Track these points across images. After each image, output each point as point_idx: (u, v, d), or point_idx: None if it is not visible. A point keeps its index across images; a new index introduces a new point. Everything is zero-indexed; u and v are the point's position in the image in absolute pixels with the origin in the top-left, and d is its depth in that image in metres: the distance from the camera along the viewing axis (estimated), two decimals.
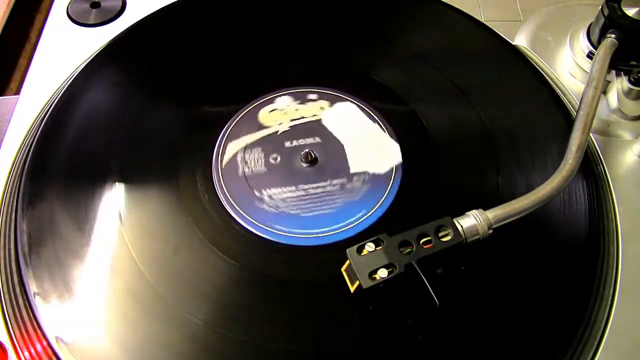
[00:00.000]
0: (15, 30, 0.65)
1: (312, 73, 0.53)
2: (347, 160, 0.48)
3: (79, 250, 0.43)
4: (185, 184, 0.47)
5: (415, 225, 0.39)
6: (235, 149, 0.49)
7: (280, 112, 0.50)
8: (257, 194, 0.46)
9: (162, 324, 0.40)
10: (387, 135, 0.48)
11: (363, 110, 0.51)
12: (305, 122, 0.50)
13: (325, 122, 0.50)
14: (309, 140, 0.49)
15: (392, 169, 0.47)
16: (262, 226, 0.44)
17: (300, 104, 0.51)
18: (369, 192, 0.46)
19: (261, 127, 0.50)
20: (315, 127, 0.50)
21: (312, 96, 0.51)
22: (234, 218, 0.45)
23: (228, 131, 0.50)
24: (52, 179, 0.46)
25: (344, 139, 0.49)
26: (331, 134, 0.49)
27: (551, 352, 0.39)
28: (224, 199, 0.46)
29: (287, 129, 0.50)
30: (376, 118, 0.50)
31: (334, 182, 0.47)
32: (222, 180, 0.47)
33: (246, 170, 0.48)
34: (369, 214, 0.45)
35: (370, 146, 0.49)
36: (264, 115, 0.50)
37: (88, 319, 0.40)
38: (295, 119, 0.50)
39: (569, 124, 0.47)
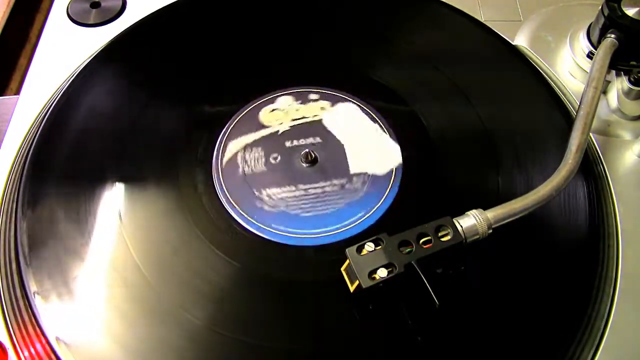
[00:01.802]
0: (15, 30, 0.65)
1: (312, 73, 0.53)
2: (347, 161, 0.48)
3: (78, 250, 0.43)
4: (185, 184, 0.47)
5: (415, 225, 0.39)
6: (235, 149, 0.49)
7: (281, 111, 0.50)
8: (257, 193, 0.46)
9: (162, 323, 0.40)
10: (388, 136, 0.48)
11: (364, 110, 0.51)
12: (306, 122, 0.50)
13: (325, 122, 0.50)
14: (310, 140, 0.49)
15: (392, 169, 0.47)
16: (262, 226, 0.44)
17: (301, 104, 0.51)
18: (369, 192, 0.46)
19: (262, 126, 0.50)
20: (316, 127, 0.50)
21: (313, 96, 0.51)
22: (234, 218, 0.45)
23: (228, 131, 0.50)
24: (52, 179, 0.46)
25: (344, 139, 0.49)
26: (332, 134, 0.49)
27: (551, 352, 0.39)
28: (224, 199, 0.46)
29: (287, 128, 0.50)
30: (376, 118, 0.50)
31: (334, 182, 0.47)
32: (222, 179, 0.47)
33: (246, 169, 0.48)
34: (368, 214, 0.45)
35: (370, 147, 0.49)
36: (264, 115, 0.50)
37: (88, 318, 0.40)
38: (296, 119, 0.50)
39: (569, 124, 0.47)
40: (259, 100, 0.51)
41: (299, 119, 0.50)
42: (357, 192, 0.46)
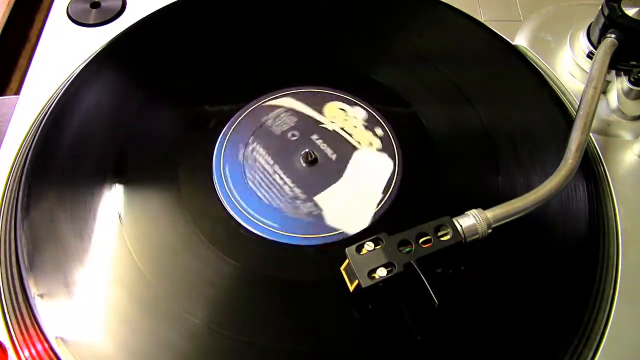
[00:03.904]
0: (15, 30, 0.65)
1: (312, 73, 0.53)
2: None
3: (78, 251, 0.43)
4: (185, 184, 0.47)
5: (415, 225, 0.39)
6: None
7: (346, 114, 0.49)
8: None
9: (162, 323, 0.40)
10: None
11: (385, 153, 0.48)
12: (343, 137, 0.49)
13: (355, 155, 0.48)
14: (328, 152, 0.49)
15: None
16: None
17: (366, 123, 0.49)
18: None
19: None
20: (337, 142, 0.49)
21: (379, 131, 0.49)
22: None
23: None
24: (52, 179, 0.46)
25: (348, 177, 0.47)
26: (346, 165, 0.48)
27: (551, 352, 0.39)
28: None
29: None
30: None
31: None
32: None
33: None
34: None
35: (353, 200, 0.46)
36: (329, 109, 0.50)
37: (88, 318, 0.40)
38: (344, 129, 0.49)
39: (569, 123, 0.47)
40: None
41: (346, 132, 0.49)
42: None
